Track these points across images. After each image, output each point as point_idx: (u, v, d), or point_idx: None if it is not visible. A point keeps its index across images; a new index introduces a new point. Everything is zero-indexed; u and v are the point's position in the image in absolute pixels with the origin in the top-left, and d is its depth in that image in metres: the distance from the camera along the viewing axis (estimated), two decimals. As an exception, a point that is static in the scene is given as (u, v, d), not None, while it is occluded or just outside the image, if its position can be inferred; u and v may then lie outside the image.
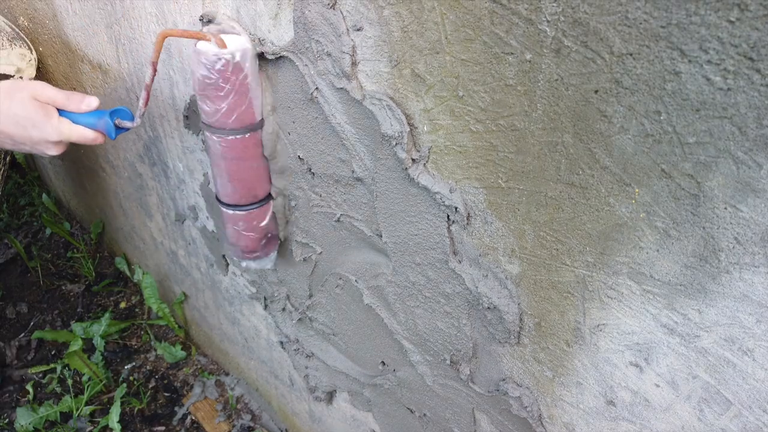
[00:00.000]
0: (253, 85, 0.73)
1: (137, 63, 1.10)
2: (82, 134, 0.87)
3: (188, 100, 1.00)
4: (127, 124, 0.88)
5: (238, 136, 0.75)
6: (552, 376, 0.64)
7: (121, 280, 2.05)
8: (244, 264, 0.93)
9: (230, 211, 0.83)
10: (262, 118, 0.78)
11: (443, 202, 0.63)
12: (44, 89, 0.85)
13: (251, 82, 0.73)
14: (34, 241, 2.17)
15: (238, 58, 0.69)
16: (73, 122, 0.87)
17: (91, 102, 0.87)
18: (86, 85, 1.39)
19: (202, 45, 0.69)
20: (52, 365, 1.75)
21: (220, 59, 0.68)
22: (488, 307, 0.66)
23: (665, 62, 0.40)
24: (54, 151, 0.88)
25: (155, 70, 0.75)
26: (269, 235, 0.89)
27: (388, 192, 0.70)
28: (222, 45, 0.68)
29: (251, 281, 1.21)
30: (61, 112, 0.87)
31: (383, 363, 0.95)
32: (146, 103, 0.80)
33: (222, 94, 0.71)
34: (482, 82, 0.52)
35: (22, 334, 1.86)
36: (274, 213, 0.88)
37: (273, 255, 0.93)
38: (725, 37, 0.36)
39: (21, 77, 1.31)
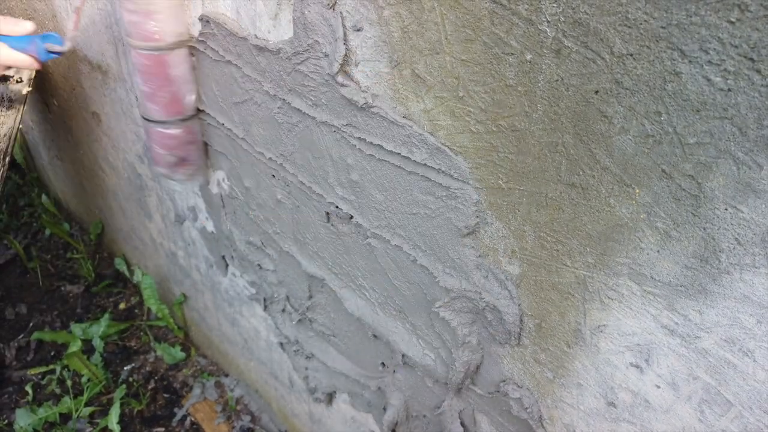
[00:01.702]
0: None
1: (137, 64, 1.10)
2: (18, 58, 0.90)
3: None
4: (57, 48, 0.92)
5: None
6: (552, 377, 0.64)
7: (121, 281, 2.05)
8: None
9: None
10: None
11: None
12: None
13: None
14: (33, 241, 2.17)
15: None
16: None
17: (27, 25, 0.92)
18: (86, 85, 1.39)
19: None
20: (51, 366, 1.74)
21: None
22: (489, 309, 0.66)
23: (666, 63, 0.40)
24: None
25: None
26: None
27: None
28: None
29: (251, 282, 1.20)
30: None
31: (383, 364, 0.95)
32: (76, 26, 0.85)
33: None
34: (482, 83, 0.52)
35: (22, 335, 1.85)
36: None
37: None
38: (725, 38, 0.36)
39: (20, 78, 1.31)
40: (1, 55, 0.90)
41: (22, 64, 0.92)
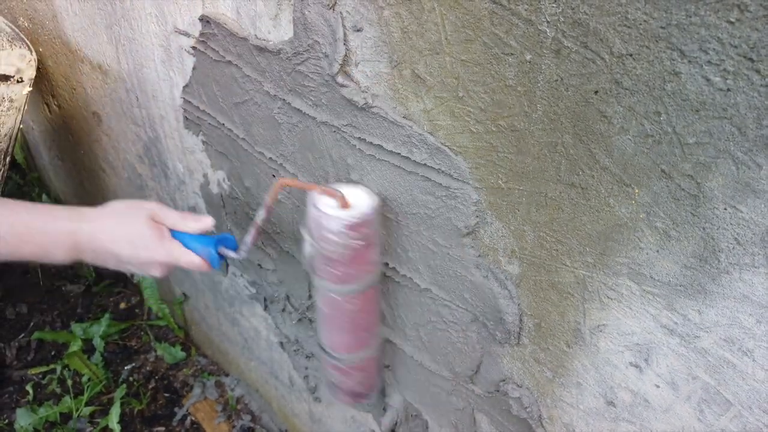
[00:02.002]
0: (375, 241, 0.69)
1: (137, 63, 1.10)
2: (190, 260, 0.82)
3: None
4: (231, 254, 0.83)
5: (359, 293, 0.72)
6: (552, 376, 0.64)
7: (121, 280, 2.05)
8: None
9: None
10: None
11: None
12: (161, 210, 0.83)
13: (374, 238, 0.69)
14: (33, 241, 2.17)
15: (365, 218, 0.65)
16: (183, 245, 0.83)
17: (206, 222, 0.84)
18: (86, 85, 1.39)
19: (325, 204, 0.65)
20: (51, 366, 1.75)
21: (345, 222, 0.63)
22: (488, 308, 0.66)
23: (665, 63, 0.40)
24: (158, 273, 0.83)
25: (269, 213, 0.74)
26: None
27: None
28: (345, 205, 0.65)
29: (251, 282, 1.21)
30: (173, 233, 0.83)
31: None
32: (254, 241, 0.78)
33: (345, 259, 0.67)
34: (482, 83, 0.52)
35: (22, 335, 1.85)
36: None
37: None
38: (725, 38, 0.36)
39: (21, 78, 1.32)
40: (173, 253, 0.81)
41: (193, 265, 0.83)
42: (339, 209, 0.65)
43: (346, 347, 0.79)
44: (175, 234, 0.83)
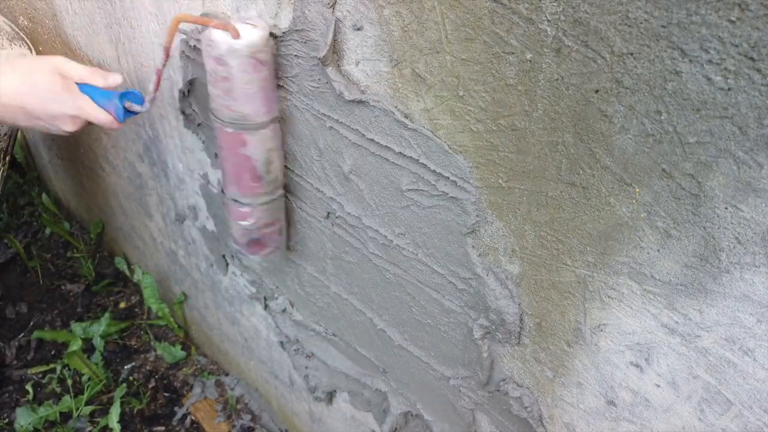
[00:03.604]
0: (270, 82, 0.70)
1: (137, 63, 1.10)
2: (99, 114, 0.83)
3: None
4: (137, 107, 0.86)
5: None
6: (552, 376, 0.64)
7: (121, 280, 2.05)
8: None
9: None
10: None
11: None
12: (68, 63, 0.83)
13: (264, 72, 0.69)
14: (33, 240, 2.17)
15: (253, 47, 0.66)
16: None
17: (116, 78, 0.84)
18: (86, 84, 1.39)
19: (213, 34, 0.66)
20: (51, 365, 1.75)
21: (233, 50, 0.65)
22: (489, 308, 0.66)
23: (666, 62, 0.40)
24: (70, 127, 0.84)
25: (168, 55, 0.74)
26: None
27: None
28: (236, 35, 0.65)
29: (251, 281, 1.21)
30: (81, 88, 0.84)
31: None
32: (157, 88, 0.79)
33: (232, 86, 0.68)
34: (483, 82, 0.52)
35: (22, 334, 1.85)
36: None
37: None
38: (726, 37, 0.36)
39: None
40: (83, 107, 0.82)
41: (102, 121, 0.84)
42: (231, 38, 0.65)
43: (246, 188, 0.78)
44: (81, 89, 0.84)
